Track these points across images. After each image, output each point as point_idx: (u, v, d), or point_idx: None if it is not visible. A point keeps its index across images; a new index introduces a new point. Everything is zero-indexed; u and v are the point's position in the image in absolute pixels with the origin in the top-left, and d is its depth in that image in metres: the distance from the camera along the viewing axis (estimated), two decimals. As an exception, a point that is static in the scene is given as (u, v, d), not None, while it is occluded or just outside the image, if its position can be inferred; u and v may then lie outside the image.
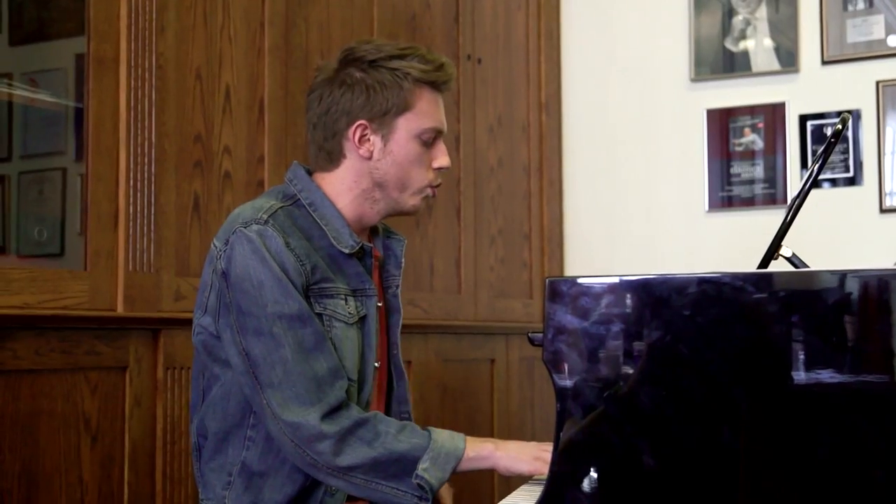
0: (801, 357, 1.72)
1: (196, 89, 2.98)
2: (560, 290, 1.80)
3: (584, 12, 4.93)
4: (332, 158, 2.38)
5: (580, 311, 1.78)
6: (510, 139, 4.52)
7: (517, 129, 4.58)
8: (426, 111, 2.36)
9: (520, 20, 4.65)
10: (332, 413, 2.18)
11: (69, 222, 3.00)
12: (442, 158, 2.40)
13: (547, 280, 1.81)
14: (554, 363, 1.80)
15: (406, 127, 2.34)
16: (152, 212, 2.81)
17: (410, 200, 2.39)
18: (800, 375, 1.71)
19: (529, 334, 1.99)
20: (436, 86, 2.39)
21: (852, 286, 1.73)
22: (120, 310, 2.71)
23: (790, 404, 1.72)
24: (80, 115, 2.80)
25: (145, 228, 2.79)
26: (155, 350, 2.77)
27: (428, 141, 2.37)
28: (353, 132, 2.34)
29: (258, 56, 3.18)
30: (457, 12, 4.19)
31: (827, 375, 1.71)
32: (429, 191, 2.40)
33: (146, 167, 2.80)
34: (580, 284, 1.79)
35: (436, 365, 3.87)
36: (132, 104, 2.78)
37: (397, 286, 2.48)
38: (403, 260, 2.51)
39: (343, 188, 2.37)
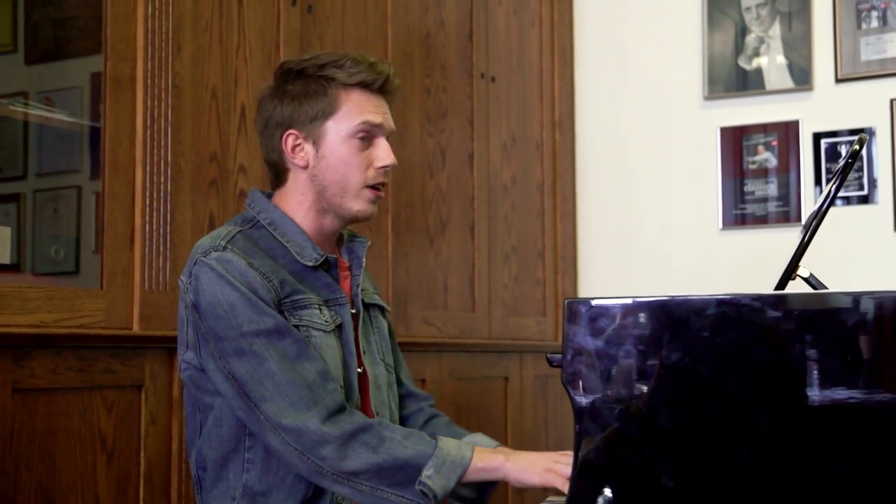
0: (820, 378, 1.72)
1: (212, 108, 2.99)
2: (579, 312, 1.80)
3: (598, 31, 4.93)
4: (279, 173, 2.41)
5: (599, 332, 1.78)
6: (524, 157, 4.52)
7: (531, 147, 4.58)
8: (353, 109, 2.36)
9: (533, 38, 4.66)
10: (332, 416, 2.18)
11: (84, 241, 3.00)
12: (384, 157, 2.38)
13: (566, 301, 1.81)
14: (573, 384, 1.80)
15: (335, 129, 2.35)
16: (168, 230, 2.81)
17: (354, 205, 2.38)
18: (818, 396, 1.71)
19: (548, 355, 1.98)
20: (367, 86, 2.38)
21: (869, 307, 1.73)
22: (136, 328, 2.72)
23: (809, 425, 1.72)
24: (95, 133, 2.81)
25: (161, 247, 2.80)
26: (170, 368, 2.77)
27: (363, 138, 2.36)
28: (286, 142, 2.36)
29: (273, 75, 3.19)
30: (471, 31, 4.20)
31: (845, 396, 1.71)
32: (370, 192, 2.39)
33: (162, 186, 2.81)
34: (599, 306, 1.79)
35: (449, 383, 3.87)
36: (148, 123, 2.79)
37: (358, 285, 2.46)
38: (365, 259, 2.50)
39: (296, 203, 2.38)
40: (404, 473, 2.18)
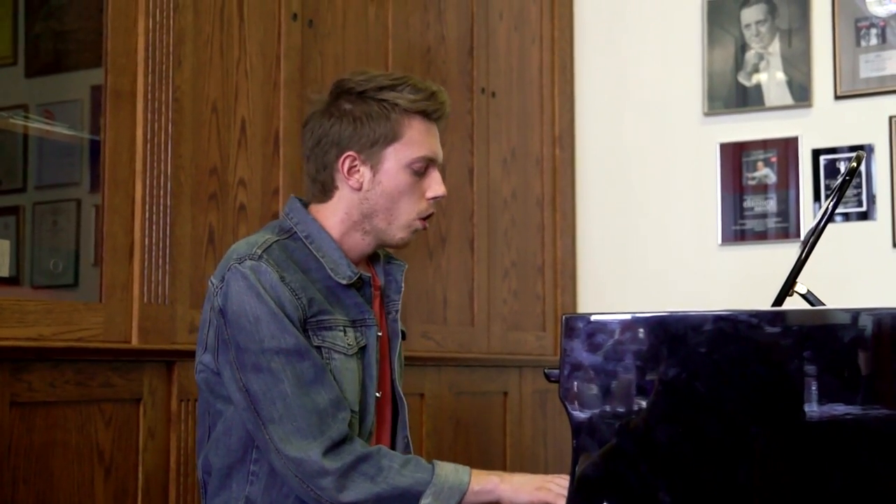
0: (817, 394, 1.72)
1: (212, 122, 2.99)
2: (576, 327, 1.80)
3: (598, 46, 4.94)
4: (326, 190, 2.38)
5: (596, 347, 1.78)
6: (524, 172, 4.53)
7: (531, 162, 4.59)
8: (416, 140, 2.34)
9: (534, 54, 4.66)
10: (334, 448, 2.17)
11: (83, 254, 3.01)
12: (436, 188, 2.37)
13: (563, 317, 1.81)
14: (570, 400, 1.80)
15: (395, 157, 2.33)
16: (167, 244, 2.82)
17: (398, 234, 2.37)
18: (815, 413, 1.71)
19: (546, 370, 1.99)
20: (427, 115, 2.36)
21: (867, 324, 1.73)
22: (134, 342, 2.72)
23: (806, 441, 1.72)
24: (95, 146, 2.82)
25: (160, 260, 2.80)
26: (169, 382, 2.77)
27: (419, 171, 2.35)
28: (343, 163, 2.33)
29: (274, 89, 3.19)
30: (471, 46, 4.20)
31: (842, 412, 1.71)
32: (418, 224, 2.38)
33: (162, 199, 2.81)
34: (596, 321, 1.80)
35: (449, 398, 3.87)
36: (148, 136, 2.79)
37: (397, 311, 2.47)
38: (403, 285, 2.49)
39: (336, 220, 2.36)
40: (403, 502, 2.19)
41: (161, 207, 2.81)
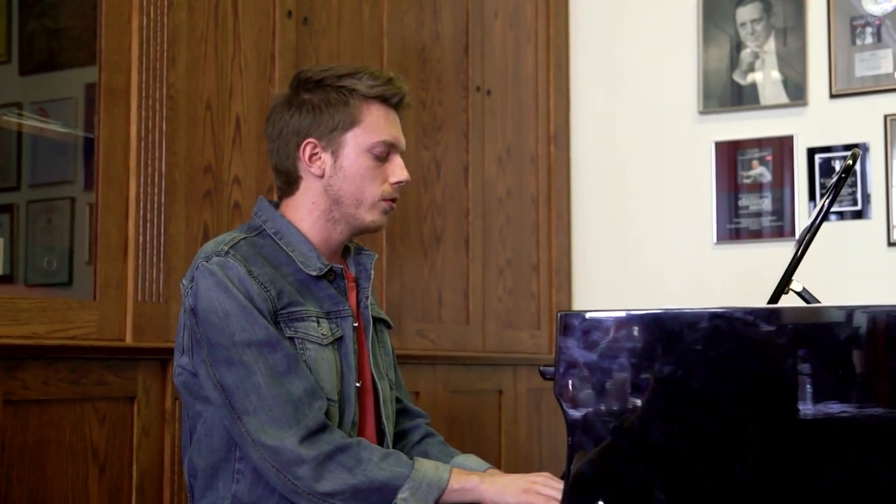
0: (812, 392, 1.72)
1: (206, 120, 2.99)
2: (572, 325, 1.80)
3: (593, 45, 4.94)
4: (291, 181, 2.40)
5: (592, 345, 1.78)
6: (519, 170, 4.52)
7: (526, 161, 4.59)
8: (375, 125, 2.37)
9: (529, 52, 4.66)
10: (311, 436, 2.17)
11: (77, 252, 3.00)
12: (399, 172, 2.40)
13: (559, 314, 1.81)
14: (566, 397, 1.80)
15: (355, 142, 2.36)
16: (162, 242, 2.81)
17: (368, 216, 2.39)
18: (810, 410, 1.71)
19: (541, 368, 1.99)
20: (385, 100, 2.39)
21: (862, 321, 1.73)
22: (129, 340, 2.71)
23: (801, 439, 1.72)
24: (89, 144, 2.81)
25: (154, 258, 2.79)
26: (163, 380, 2.76)
27: (381, 156, 2.38)
28: (303, 151, 2.36)
29: (268, 87, 3.19)
30: (466, 44, 4.20)
31: (837, 410, 1.71)
32: (385, 204, 2.40)
33: (156, 197, 2.81)
34: (592, 318, 1.79)
35: (443, 396, 3.86)
36: (142, 134, 2.79)
37: (367, 297, 2.47)
38: (373, 272, 2.50)
39: (305, 212, 2.38)
40: (380, 495, 2.18)
41: (155, 205, 2.80)
